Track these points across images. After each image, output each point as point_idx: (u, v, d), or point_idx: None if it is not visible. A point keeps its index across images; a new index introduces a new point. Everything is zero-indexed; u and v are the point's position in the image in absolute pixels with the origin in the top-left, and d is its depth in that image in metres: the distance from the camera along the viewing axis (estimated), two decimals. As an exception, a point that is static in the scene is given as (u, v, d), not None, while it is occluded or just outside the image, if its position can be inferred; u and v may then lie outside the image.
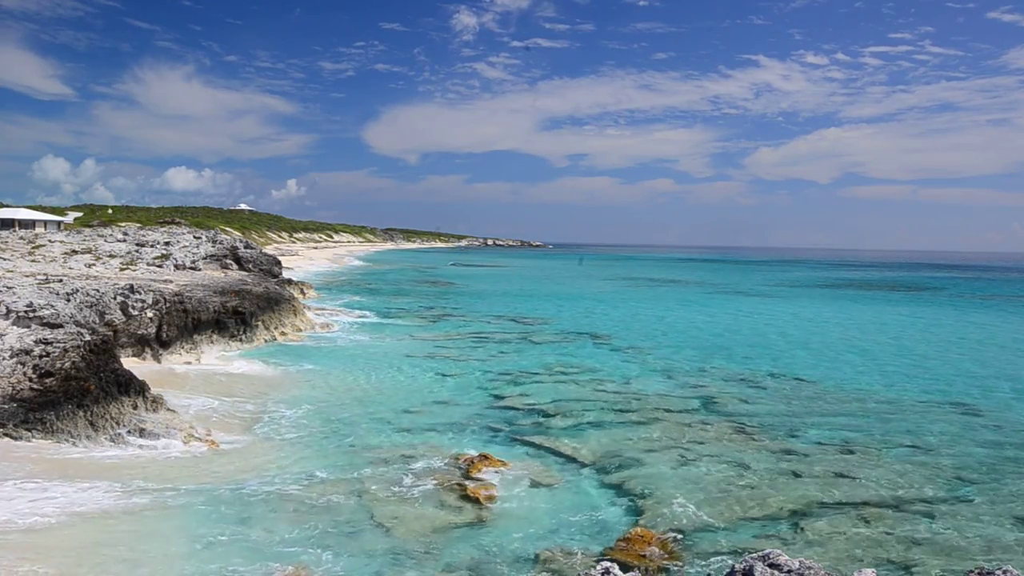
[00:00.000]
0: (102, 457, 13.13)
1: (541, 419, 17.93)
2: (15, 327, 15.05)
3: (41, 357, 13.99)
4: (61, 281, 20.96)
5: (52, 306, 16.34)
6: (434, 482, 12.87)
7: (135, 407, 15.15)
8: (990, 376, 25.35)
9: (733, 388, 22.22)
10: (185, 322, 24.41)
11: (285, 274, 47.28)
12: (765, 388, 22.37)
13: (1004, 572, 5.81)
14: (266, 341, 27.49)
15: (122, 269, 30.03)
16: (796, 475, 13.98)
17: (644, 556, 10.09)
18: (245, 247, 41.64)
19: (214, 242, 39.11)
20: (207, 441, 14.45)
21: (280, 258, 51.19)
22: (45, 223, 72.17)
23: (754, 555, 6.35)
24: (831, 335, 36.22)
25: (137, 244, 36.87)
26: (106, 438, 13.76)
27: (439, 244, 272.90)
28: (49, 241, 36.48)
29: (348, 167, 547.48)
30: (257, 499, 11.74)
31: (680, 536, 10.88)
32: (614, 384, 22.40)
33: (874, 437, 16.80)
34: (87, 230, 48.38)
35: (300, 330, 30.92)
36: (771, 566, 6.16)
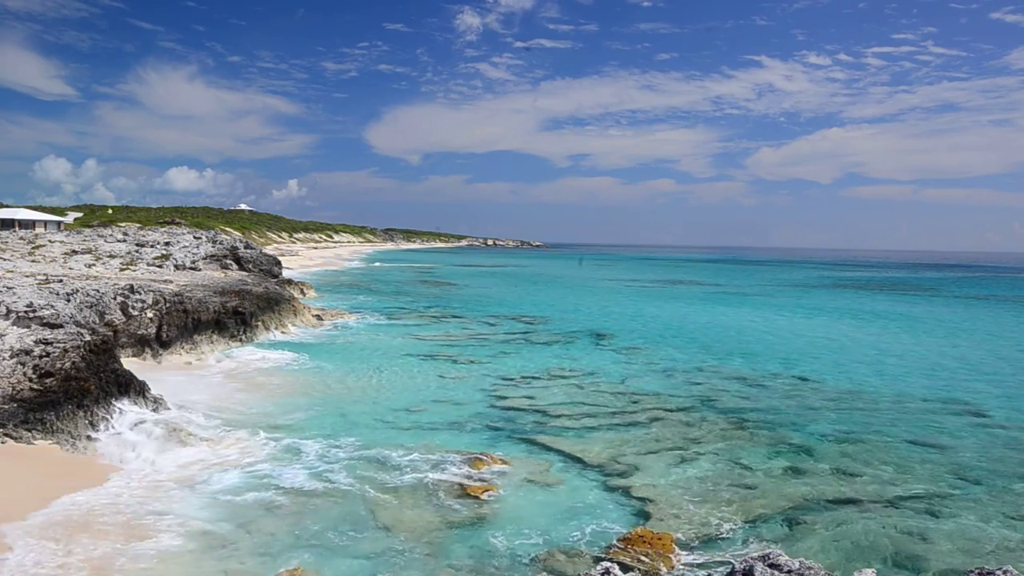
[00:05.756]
0: (98, 456, 13.14)
1: (542, 418, 17.93)
2: (15, 327, 15.05)
3: (41, 357, 13.99)
4: (61, 281, 20.97)
5: (52, 306, 16.34)
6: (435, 481, 12.87)
7: (135, 407, 15.15)
8: (991, 375, 25.35)
9: (734, 388, 22.22)
10: (185, 322, 24.41)
11: (285, 274, 47.30)
12: (766, 387, 22.37)
13: (1004, 572, 5.81)
14: (266, 341, 27.49)
15: (122, 269, 30.04)
16: (797, 475, 13.98)
17: (644, 556, 10.09)
18: (245, 247, 41.65)
19: (214, 242, 39.12)
20: (207, 440, 14.45)
21: (280, 258, 51.19)
22: (45, 223, 72.15)
23: (754, 555, 6.35)
24: (832, 335, 36.21)
25: (137, 244, 36.88)
26: (106, 438, 13.75)
27: (439, 244, 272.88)
28: (49, 241, 36.49)
29: (350, 167, 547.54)
30: (256, 499, 11.75)
31: (680, 536, 10.87)
32: (614, 384, 22.41)
33: (875, 437, 16.79)
34: (87, 230, 48.39)
35: (300, 330, 30.93)
36: (771, 566, 6.16)
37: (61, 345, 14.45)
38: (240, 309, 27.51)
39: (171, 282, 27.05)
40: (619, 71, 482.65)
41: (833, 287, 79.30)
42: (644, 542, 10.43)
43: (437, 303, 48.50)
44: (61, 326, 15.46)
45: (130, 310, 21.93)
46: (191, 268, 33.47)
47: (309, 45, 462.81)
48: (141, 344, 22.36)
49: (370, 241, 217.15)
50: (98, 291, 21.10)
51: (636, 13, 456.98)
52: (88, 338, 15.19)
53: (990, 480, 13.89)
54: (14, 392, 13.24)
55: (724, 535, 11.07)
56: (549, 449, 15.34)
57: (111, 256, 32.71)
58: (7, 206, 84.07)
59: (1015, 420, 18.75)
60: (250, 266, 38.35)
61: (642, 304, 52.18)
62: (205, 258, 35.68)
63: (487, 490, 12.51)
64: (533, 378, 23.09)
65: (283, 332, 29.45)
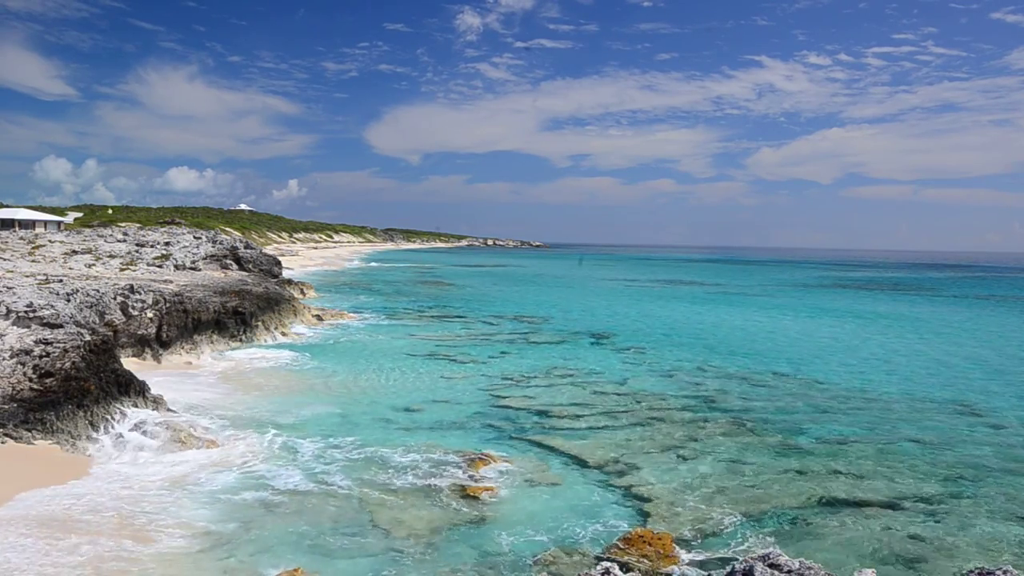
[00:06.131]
0: (98, 456, 13.14)
1: (542, 418, 17.92)
2: (15, 327, 15.04)
3: (41, 357, 13.98)
4: (61, 281, 20.97)
5: (52, 306, 16.33)
6: (435, 481, 12.86)
7: (135, 407, 15.15)
8: (991, 376, 25.34)
9: (734, 387, 22.20)
10: (185, 322, 24.41)
11: (285, 274, 47.30)
12: (766, 387, 22.36)
13: (1004, 572, 5.80)
14: (266, 341, 27.49)
15: (122, 269, 30.04)
16: (797, 475, 13.97)
17: (644, 556, 10.08)
18: (245, 247, 41.65)
19: (214, 242, 39.12)
20: (206, 441, 14.44)
21: (280, 258, 51.19)
22: (45, 223, 72.16)
23: (754, 555, 6.34)
24: (832, 335, 36.20)
25: (137, 244, 36.88)
26: (106, 438, 13.75)
27: (439, 244, 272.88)
28: (49, 241, 36.49)
29: (350, 167, 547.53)
30: (256, 499, 11.74)
31: (681, 536, 10.87)
32: (614, 384, 22.40)
33: (875, 437, 16.79)
34: (87, 230, 48.39)
35: (300, 330, 30.92)
36: (771, 566, 6.15)
37: (61, 345, 14.44)
38: (240, 309, 27.50)
39: (171, 282, 27.04)
40: (619, 71, 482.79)
41: (834, 287, 79.31)
42: (644, 542, 10.42)
43: (437, 303, 48.50)
44: (61, 326, 15.45)
45: (130, 310, 21.92)
46: (191, 268, 33.47)
47: (309, 45, 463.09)
48: (141, 344, 22.35)
49: (370, 241, 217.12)
50: (98, 291, 21.09)
51: (636, 13, 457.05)
52: (88, 338, 15.19)
53: (990, 480, 13.87)
54: (14, 392, 13.24)
55: (724, 535, 11.06)
56: (550, 449, 15.33)
57: (111, 256, 32.71)
58: (7, 206, 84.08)
59: (1016, 420, 18.73)
60: (250, 266, 38.35)
61: (643, 304, 52.18)
62: (205, 258, 35.68)
63: (487, 490, 12.50)
64: (534, 378, 23.08)
65: (283, 332, 29.44)
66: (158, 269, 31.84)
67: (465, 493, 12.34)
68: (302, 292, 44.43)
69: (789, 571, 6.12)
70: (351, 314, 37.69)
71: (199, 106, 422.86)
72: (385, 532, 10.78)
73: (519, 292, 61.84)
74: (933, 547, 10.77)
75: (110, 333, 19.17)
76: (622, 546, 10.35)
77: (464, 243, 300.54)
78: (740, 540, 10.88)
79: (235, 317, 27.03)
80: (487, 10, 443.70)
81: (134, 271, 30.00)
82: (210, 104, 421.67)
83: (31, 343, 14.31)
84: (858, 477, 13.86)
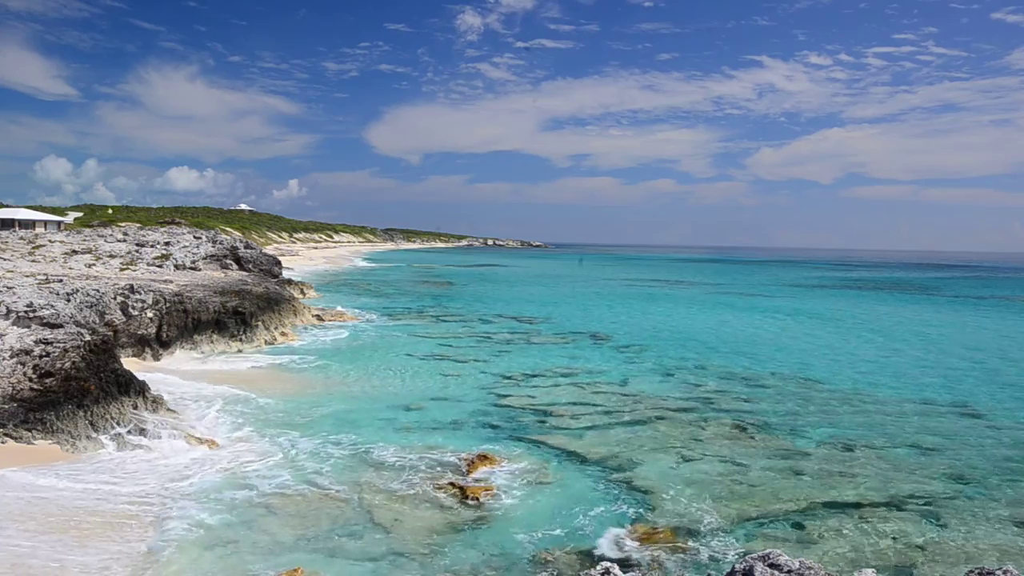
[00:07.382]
0: (101, 456, 13.14)
1: (541, 418, 17.92)
2: (15, 327, 15.04)
3: (41, 357, 13.98)
4: (61, 281, 20.97)
5: (52, 306, 16.34)
6: (434, 481, 12.86)
7: (135, 407, 15.15)
8: (990, 377, 25.34)
9: (734, 388, 22.20)
10: (185, 322, 24.41)
11: (285, 274, 47.30)
12: (766, 388, 22.35)
13: (1004, 572, 5.80)
14: (266, 341, 27.48)
15: (122, 269, 30.04)
16: (797, 474, 13.97)
17: (644, 555, 10.07)
18: (245, 247, 41.65)
19: (214, 242, 39.11)
20: (207, 441, 14.44)
21: (280, 258, 51.18)
22: (45, 223, 72.12)
23: (754, 555, 6.33)
24: (832, 335, 36.19)
25: (137, 244, 36.87)
26: (106, 438, 13.75)
27: (440, 244, 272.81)
28: (49, 241, 36.49)
29: (350, 167, 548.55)
30: (256, 499, 11.74)
31: (681, 535, 10.86)
32: (614, 383, 22.39)
33: (875, 437, 16.78)
34: (87, 230, 48.40)
35: (300, 330, 30.92)
36: (771, 566, 6.14)
37: (61, 345, 14.44)
38: (240, 309, 27.50)
39: (171, 282, 27.04)
40: (620, 71, 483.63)
41: (834, 287, 79.28)
42: (644, 541, 10.42)
43: (437, 303, 48.49)
44: (61, 326, 15.45)
45: (130, 310, 21.93)
46: (191, 268, 33.47)
47: (310, 45, 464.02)
48: (141, 344, 22.36)
49: (370, 241, 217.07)
50: (98, 291, 21.10)
51: (637, 13, 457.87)
52: (88, 338, 15.19)
53: (990, 481, 13.87)
54: (14, 392, 13.24)
55: (724, 534, 11.05)
56: (549, 448, 15.33)
57: (111, 256, 32.71)
58: (7, 206, 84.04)
59: (1016, 421, 18.73)
60: (250, 266, 38.35)
61: (643, 304, 52.17)
62: (205, 258, 35.68)
63: (487, 490, 12.50)
64: (533, 377, 23.08)
65: (283, 332, 29.44)
66: (158, 269, 31.84)
67: (465, 493, 12.33)
68: (302, 292, 44.43)
69: (789, 571, 6.11)
70: (351, 314, 37.69)
71: (199, 106, 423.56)
72: (385, 532, 10.78)
73: (519, 292, 61.82)
74: (933, 547, 10.77)
75: (110, 333, 19.17)
76: (622, 545, 10.34)
77: (464, 243, 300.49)
78: (740, 540, 10.88)
79: (235, 317, 27.03)
80: (488, 10, 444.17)
81: (134, 271, 30.00)
82: (210, 104, 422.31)
83: (31, 343, 14.31)
84: (858, 477, 13.85)
